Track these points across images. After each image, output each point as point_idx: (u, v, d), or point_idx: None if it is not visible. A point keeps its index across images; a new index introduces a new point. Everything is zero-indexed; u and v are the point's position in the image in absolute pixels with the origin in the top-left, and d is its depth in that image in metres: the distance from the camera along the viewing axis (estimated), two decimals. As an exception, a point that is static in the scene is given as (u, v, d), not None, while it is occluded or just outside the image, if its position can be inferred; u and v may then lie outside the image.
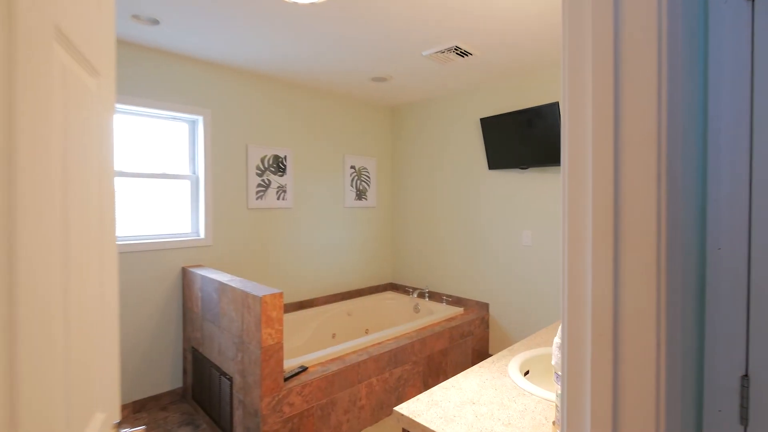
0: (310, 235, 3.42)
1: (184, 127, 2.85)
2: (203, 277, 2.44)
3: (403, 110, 3.92)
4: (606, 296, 0.51)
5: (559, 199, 2.79)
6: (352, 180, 3.70)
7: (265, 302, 1.87)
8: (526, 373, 1.42)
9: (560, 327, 0.94)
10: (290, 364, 2.18)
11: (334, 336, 3.34)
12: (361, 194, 3.77)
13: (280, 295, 1.93)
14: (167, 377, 2.74)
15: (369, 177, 3.84)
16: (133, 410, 2.64)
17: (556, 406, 0.99)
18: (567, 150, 0.58)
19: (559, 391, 0.87)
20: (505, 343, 3.16)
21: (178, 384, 2.79)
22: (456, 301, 3.48)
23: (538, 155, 2.78)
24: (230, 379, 2.15)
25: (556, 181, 2.84)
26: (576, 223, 0.52)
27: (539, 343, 1.60)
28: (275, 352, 1.92)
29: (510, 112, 2.89)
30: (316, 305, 3.46)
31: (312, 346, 3.17)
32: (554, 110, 2.62)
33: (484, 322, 3.22)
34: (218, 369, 2.28)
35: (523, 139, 2.85)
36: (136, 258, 2.59)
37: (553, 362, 1.04)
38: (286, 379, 2.04)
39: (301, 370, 2.14)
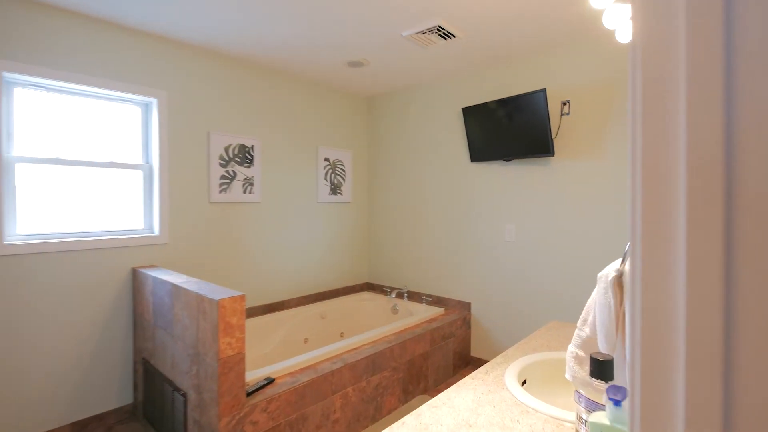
0: (280, 231, 3.16)
1: (137, 111, 2.54)
2: (155, 278, 2.15)
3: (381, 100, 3.71)
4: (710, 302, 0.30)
5: (545, 192, 2.66)
6: (326, 173, 3.46)
7: (222, 307, 1.62)
8: (524, 382, 1.24)
9: (582, 339, 0.76)
10: (255, 375, 1.93)
11: (306, 341, 3.10)
12: (335, 189, 3.54)
13: (242, 298, 1.68)
14: (115, 393, 2.42)
15: (344, 170, 3.61)
16: (73, 432, 2.32)
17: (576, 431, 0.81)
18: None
19: (611, 414, 0.68)
20: (488, 344, 3.00)
21: (127, 400, 2.47)
22: (436, 300, 3.30)
23: (522, 147, 2.64)
24: (184, 396, 1.88)
25: (541, 173, 2.70)
26: (654, 210, 0.31)
27: (535, 347, 1.42)
28: (235, 364, 1.67)
29: (493, 101, 2.73)
30: (287, 308, 3.21)
31: (282, 353, 2.91)
32: (540, 98, 2.48)
33: (466, 323, 3.06)
34: (171, 384, 2.00)
35: (507, 129, 2.70)
36: (78, 257, 2.27)
37: (567, 376, 0.85)
38: (248, 394, 1.79)
39: (266, 382, 1.89)
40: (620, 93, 2.37)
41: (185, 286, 1.87)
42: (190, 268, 2.68)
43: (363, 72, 3.08)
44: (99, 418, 2.39)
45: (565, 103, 2.55)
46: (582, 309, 2.51)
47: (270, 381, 1.92)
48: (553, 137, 2.52)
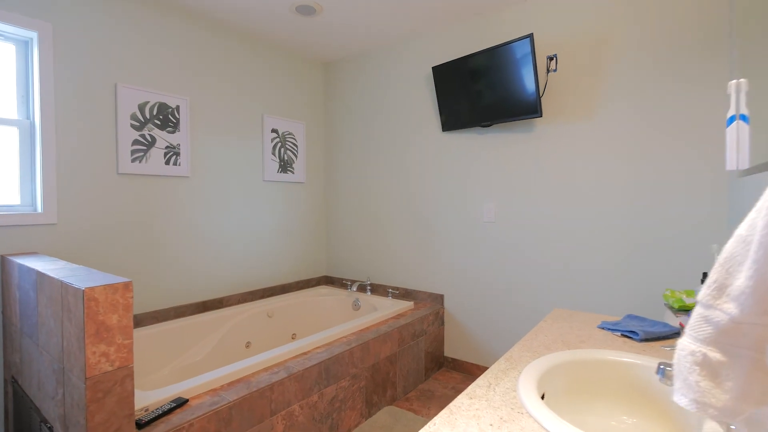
0: (217, 214, 2.60)
1: (10, 49, 1.92)
2: (21, 267, 1.56)
3: (338, 66, 3.22)
4: None
5: (530, 162, 2.29)
6: (275, 147, 2.93)
7: (91, 300, 1.09)
8: (541, 397, 0.82)
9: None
10: (161, 396, 1.40)
11: (248, 346, 2.56)
12: (286, 166, 3.02)
13: (126, 286, 1.15)
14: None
15: (296, 145, 3.10)
16: None
17: None
18: None
19: None
20: (465, 341, 2.59)
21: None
22: (404, 294, 2.86)
23: (504, 108, 2.25)
24: (51, 430, 1.32)
25: (525, 141, 2.33)
26: None
27: (546, 345, 1.01)
28: (116, 383, 1.14)
29: (470, 55, 2.33)
30: (227, 305, 2.66)
31: (216, 362, 2.36)
32: (526, 47, 2.10)
33: (439, 318, 2.64)
34: (38, 412, 1.43)
35: (486, 88, 2.30)
36: None
37: (682, 399, 0.42)
38: (141, 425, 1.26)
39: (174, 405, 1.37)
40: (616, 44, 2.02)
41: (51, 273, 1.31)
42: (89, 257, 2.08)
43: (315, 24, 2.58)
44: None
45: (551, 59, 2.19)
46: (581, 295, 2.14)
47: (181, 403, 1.39)
48: (540, 95, 2.15)
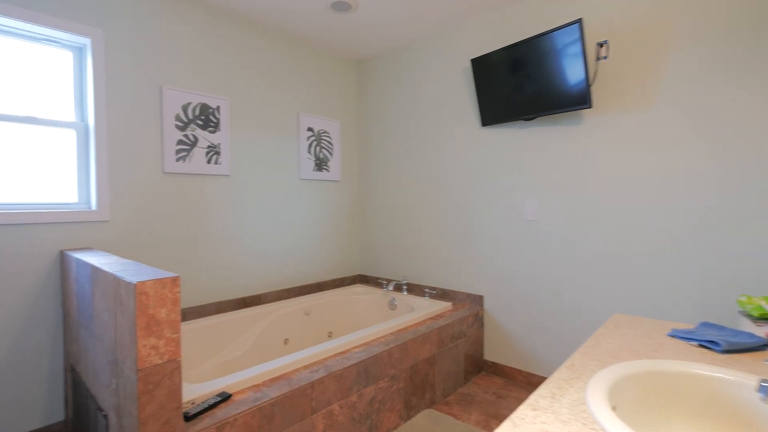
0: (255, 211, 2.64)
1: (68, 56, 2.02)
2: (78, 261, 1.64)
3: (371, 63, 3.20)
4: None
5: (576, 157, 2.16)
6: (310, 145, 2.95)
7: (142, 294, 1.11)
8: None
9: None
10: (206, 390, 1.42)
11: (286, 342, 2.58)
12: (321, 164, 3.03)
13: (174, 281, 1.17)
14: (40, 408, 1.90)
15: (331, 143, 3.10)
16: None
17: None
18: None
19: None
20: (506, 345, 2.50)
21: (57, 417, 1.95)
22: (442, 294, 2.80)
23: (549, 100, 2.14)
24: (106, 418, 1.37)
25: (570, 135, 2.21)
26: None
27: (611, 353, 0.93)
28: (165, 376, 1.16)
29: (511, 45, 2.23)
30: (265, 302, 2.70)
31: (255, 357, 2.40)
32: (574, 33, 1.99)
33: (479, 320, 2.56)
34: (94, 400, 1.49)
35: (529, 78, 2.20)
36: (-19, 237, 1.75)
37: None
38: (189, 418, 1.28)
39: (219, 399, 1.38)
40: (675, 26, 1.87)
41: (104, 267, 1.36)
42: (138, 252, 2.16)
43: (349, 20, 2.57)
44: (21, 440, 1.87)
45: (601, 45, 2.06)
46: (640, 300, 2.01)
47: (225, 398, 1.41)
48: (589, 85, 2.02)
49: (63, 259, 1.88)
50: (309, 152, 2.93)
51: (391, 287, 2.86)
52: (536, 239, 2.35)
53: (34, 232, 1.86)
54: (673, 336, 0.99)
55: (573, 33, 1.98)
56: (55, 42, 1.97)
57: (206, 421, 1.29)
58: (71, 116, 2.04)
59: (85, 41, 1.99)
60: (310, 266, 2.98)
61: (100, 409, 1.43)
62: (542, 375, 2.34)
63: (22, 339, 1.83)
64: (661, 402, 0.75)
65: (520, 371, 2.43)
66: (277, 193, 2.76)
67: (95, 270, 1.42)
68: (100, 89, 2.01)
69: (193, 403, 1.36)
